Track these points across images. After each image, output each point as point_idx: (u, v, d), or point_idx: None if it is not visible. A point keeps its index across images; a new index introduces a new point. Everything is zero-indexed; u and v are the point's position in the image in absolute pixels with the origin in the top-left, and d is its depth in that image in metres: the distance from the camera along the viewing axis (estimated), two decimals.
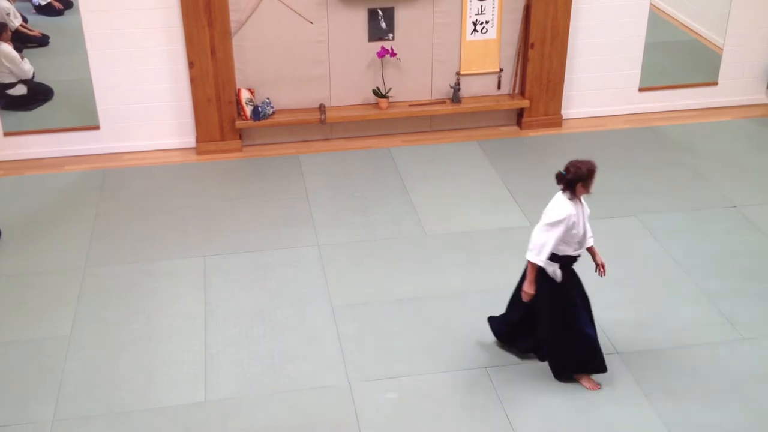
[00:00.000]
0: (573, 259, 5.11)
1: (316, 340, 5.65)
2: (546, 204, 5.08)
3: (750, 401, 5.13)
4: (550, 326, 5.22)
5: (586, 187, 4.94)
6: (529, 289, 5.09)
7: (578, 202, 5.02)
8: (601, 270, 5.23)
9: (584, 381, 5.26)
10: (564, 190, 4.97)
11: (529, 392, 5.20)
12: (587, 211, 5.12)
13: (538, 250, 4.97)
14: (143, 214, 7.07)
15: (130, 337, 5.68)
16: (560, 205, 4.96)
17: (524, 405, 5.11)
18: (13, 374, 5.37)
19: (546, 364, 5.38)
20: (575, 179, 4.90)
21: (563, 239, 4.98)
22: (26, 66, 7.92)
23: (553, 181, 5.02)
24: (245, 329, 5.75)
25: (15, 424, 5.00)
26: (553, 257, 5.03)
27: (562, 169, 4.97)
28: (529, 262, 5.05)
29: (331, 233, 6.80)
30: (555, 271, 5.07)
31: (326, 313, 5.90)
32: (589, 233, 5.14)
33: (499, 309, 5.82)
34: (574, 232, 4.99)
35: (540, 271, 5.07)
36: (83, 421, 5.03)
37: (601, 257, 5.24)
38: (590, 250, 5.21)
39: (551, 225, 4.94)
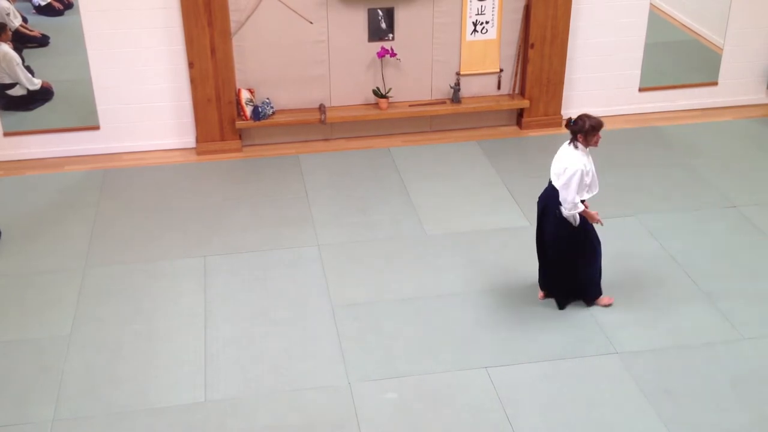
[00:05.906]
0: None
1: (316, 340, 5.65)
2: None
3: (750, 401, 5.13)
4: (564, 262, 5.75)
5: (588, 141, 5.41)
6: (596, 217, 5.61)
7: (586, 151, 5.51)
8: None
9: (599, 301, 5.91)
10: (572, 140, 5.46)
11: (529, 392, 5.20)
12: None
13: (572, 204, 5.46)
14: (143, 214, 7.07)
15: (130, 337, 5.68)
16: (573, 160, 5.40)
17: (524, 405, 5.11)
18: (13, 374, 5.37)
19: (545, 363, 5.40)
20: (578, 131, 5.38)
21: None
22: (23, 76, 7.86)
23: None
24: (245, 329, 5.75)
25: (15, 424, 5.00)
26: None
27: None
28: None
29: (331, 233, 6.79)
30: (575, 216, 5.49)
31: (326, 313, 5.89)
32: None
33: (499, 308, 5.84)
34: (588, 180, 5.47)
35: (563, 220, 5.55)
36: (83, 421, 5.03)
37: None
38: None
39: (570, 178, 5.40)
